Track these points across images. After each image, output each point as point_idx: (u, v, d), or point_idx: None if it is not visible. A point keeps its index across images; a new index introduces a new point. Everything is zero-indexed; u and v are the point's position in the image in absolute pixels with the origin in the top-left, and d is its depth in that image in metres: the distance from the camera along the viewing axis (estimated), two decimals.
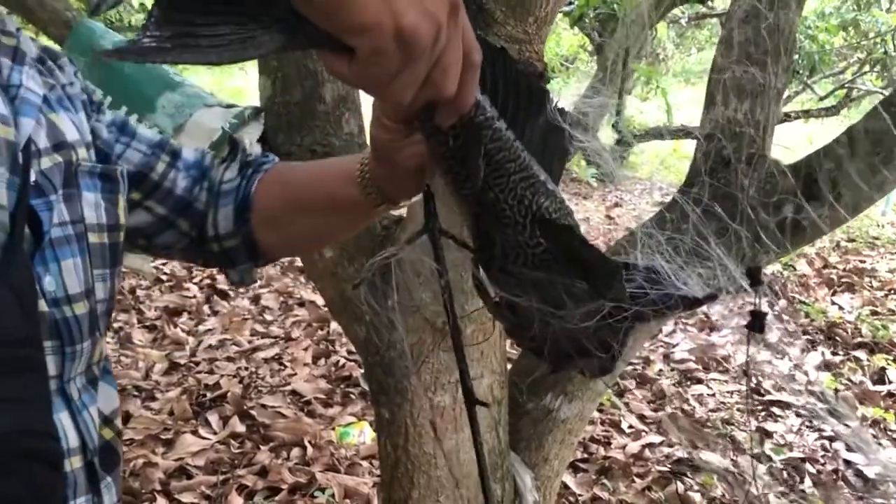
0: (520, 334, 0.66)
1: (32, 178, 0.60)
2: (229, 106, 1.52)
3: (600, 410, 3.22)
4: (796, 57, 5.63)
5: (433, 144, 0.59)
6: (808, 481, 2.76)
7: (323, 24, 0.46)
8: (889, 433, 3.16)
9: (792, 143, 1.57)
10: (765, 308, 0.59)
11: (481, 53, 0.53)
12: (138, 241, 0.82)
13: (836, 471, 2.85)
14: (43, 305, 0.60)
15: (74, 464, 0.64)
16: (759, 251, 1.57)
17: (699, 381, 3.60)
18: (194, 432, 2.86)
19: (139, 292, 4.20)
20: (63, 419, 0.63)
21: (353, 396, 3.24)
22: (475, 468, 1.49)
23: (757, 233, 1.54)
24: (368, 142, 0.70)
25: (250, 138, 1.41)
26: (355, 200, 0.75)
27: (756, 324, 0.60)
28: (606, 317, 0.58)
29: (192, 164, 0.83)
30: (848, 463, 2.91)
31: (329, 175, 0.79)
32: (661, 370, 3.68)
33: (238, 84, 12.92)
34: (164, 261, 4.22)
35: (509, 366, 1.59)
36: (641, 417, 3.20)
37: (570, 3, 5.28)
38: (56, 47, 0.77)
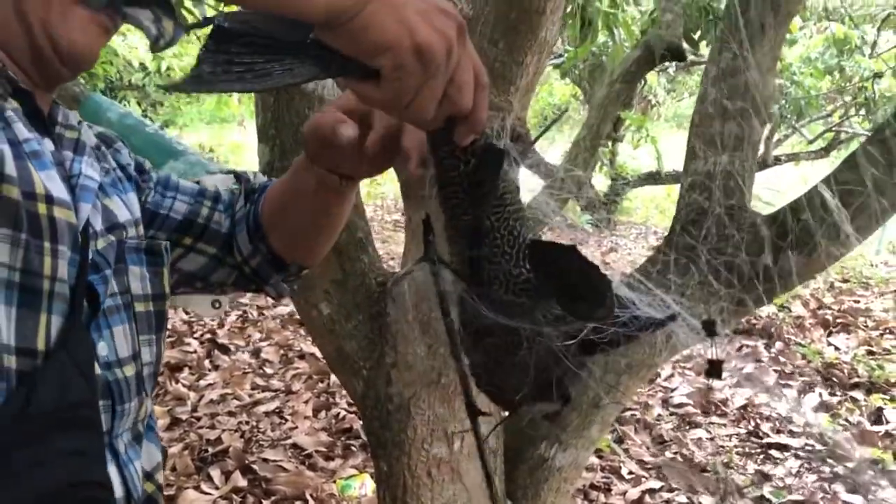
0: (480, 374, 0.72)
1: (90, 256, 0.68)
2: (230, 172, 1.59)
3: (600, 457, 3.23)
4: (783, 102, 5.76)
5: (446, 168, 0.65)
6: None
7: (349, 50, 0.54)
8: (888, 473, 3.17)
9: (786, 185, 1.64)
10: (722, 356, 0.65)
11: (487, 83, 0.60)
12: (196, 283, 0.92)
13: None
14: (97, 368, 0.67)
15: None
16: (743, 298, 1.63)
17: (698, 425, 3.62)
18: (196, 487, 2.88)
19: None
20: (111, 472, 0.70)
21: (354, 448, 3.26)
22: None
23: (739, 280, 1.60)
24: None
25: None
26: (311, 183, 0.82)
27: (713, 371, 0.65)
28: (580, 340, 0.63)
29: (229, 204, 0.93)
30: None
31: (294, 167, 0.87)
32: (660, 415, 3.71)
33: (236, 139, 13.11)
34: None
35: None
36: (641, 463, 3.22)
37: (560, 56, 5.42)
38: (109, 132, 0.87)
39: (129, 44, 8.00)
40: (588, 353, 0.67)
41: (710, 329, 0.64)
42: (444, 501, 1.48)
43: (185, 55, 8.97)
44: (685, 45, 4.02)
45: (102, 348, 0.69)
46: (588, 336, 0.65)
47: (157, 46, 0.54)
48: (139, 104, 10.87)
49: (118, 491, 0.70)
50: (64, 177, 0.68)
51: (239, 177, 1.00)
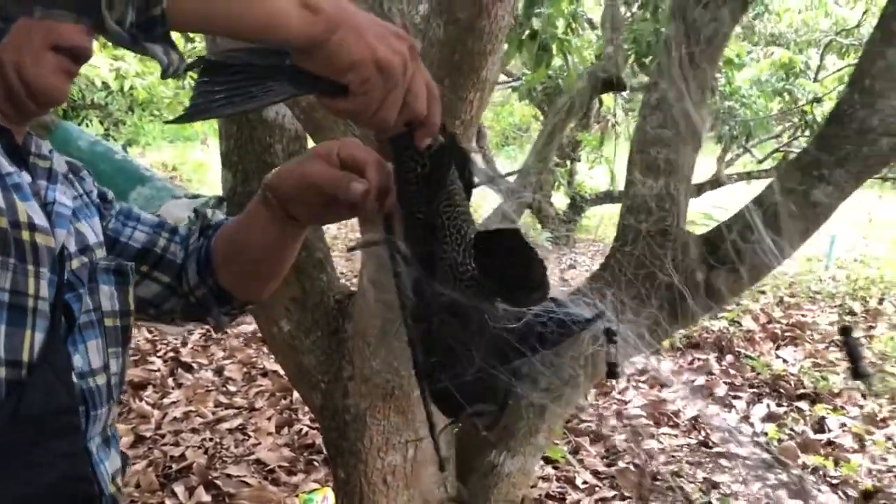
0: (429, 376, 0.78)
1: (66, 277, 0.76)
2: (194, 196, 1.67)
3: (555, 467, 3.34)
4: (733, 123, 5.97)
5: (406, 170, 0.75)
6: None
7: (321, 70, 0.64)
8: (828, 479, 3.32)
9: (737, 204, 1.75)
10: (617, 359, 0.74)
11: (437, 99, 0.72)
12: (150, 310, 0.99)
13: None
14: (73, 378, 0.76)
15: None
16: (676, 313, 1.75)
17: (651, 436, 3.74)
18: (161, 503, 2.92)
19: None
20: None
21: (316, 463, 3.32)
22: None
23: (672, 296, 1.72)
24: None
25: None
26: (261, 212, 0.88)
27: (611, 373, 0.75)
28: (518, 335, 0.71)
29: (186, 237, 1.01)
30: None
31: (252, 200, 0.93)
32: (614, 426, 3.83)
33: (199, 157, 13.08)
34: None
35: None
36: (595, 473, 3.33)
37: (519, 79, 5.57)
38: (76, 161, 0.94)
39: (91, 63, 7.99)
40: (527, 352, 0.73)
41: (610, 336, 0.74)
42: None
43: (147, 74, 8.97)
44: (637, 70, 4.19)
45: (77, 360, 0.77)
46: (526, 330, 0.72)
47: (166, 74, 0.64)
48: (101, 123, 10.80)
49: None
50: (41, 205, 0.77)
51: (198, 212, 1.07)
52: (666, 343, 4.63)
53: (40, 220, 0.73)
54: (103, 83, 8.25)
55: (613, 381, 4.31)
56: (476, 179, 0.82)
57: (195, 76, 0.68)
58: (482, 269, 0.74)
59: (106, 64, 8.09)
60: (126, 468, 0.90)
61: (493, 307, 0.74)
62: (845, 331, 1.22)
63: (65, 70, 0.76)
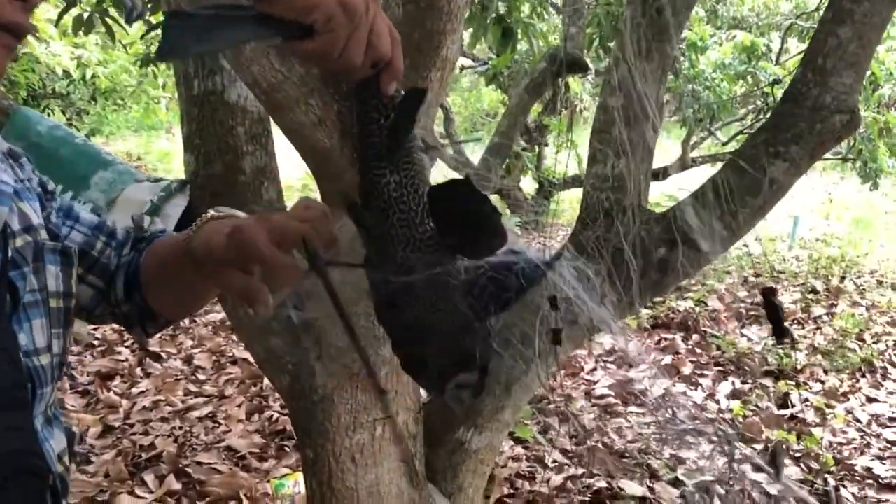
0: (402, 355, 0.79)
1: (9, 254, 0.76)
2: (157, 180, 1.67)
3: (525, 447, 3.38)
4: (696, 106, 6.03)
5: (369, 121, 0.76)
6: (717, 501, 2.97)
7: (285, 12, 0.66)
8: (791, 453, 3.40)
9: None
10: (560, 325, 0.76)
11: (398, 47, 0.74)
12: (81, 313, 0.96)
13: (742, 490, 3.06)
14: (20, 356, 0.75)
15: None
16: (640, 289, 1.78)
17: (619, 415, 3.80)
18: (131, 493, 2.91)
19: (70, 358, 4.21)
20: None
21: (287, 449, 3.33)
22: (395, 500, 1.64)
23: (635, 272, 1.75)
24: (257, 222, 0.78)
25: (176, 209, 1.57)
26: (191, 265, 0.86)
27: (555, 338, 0.77)
28: (483, 289, 0.72)
29: (122, 243, 0.98)
30: (754, 483, 3.12)
31: (177, 238, 0.92)
32: (582, 406, 3.88)
33: (164, 146, 12.94)
34: (96, 326, 4.26)
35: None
36: (564, 452, 3.37)
37: (485, 63, 5.58)
38: (17, 148, 0.91)
39: (52, 51, 7.87)
40: (497, 310, 0.75)
41: (553, 303, 0.76)
42: (367, 485, 1.59)
43: (109, 62, 8.85)
44: (602, 54, 4.22)
45: (22, 338, 0.76)
46: (491, 284, 0.73)
47: (130, 19, 0.65)
48: (63, 112, 10.63)
49: None
50: None
51: (134, 221, 1.05)
52: (633, 323, 4.69)
53: None
54: (64, 72, 8.14)
55: (582, 362, 4.36)
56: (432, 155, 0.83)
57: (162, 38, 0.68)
58: (438, 224, 0.74)
59: (67, 52, 7.97)
60: (73, 448, 0.90)
61: (454, 265, 0.75)
62: (769, 292, 1.25)
63: (2, 45, 0.72)
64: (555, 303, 0.75)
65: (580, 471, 3.18)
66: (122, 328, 1.03)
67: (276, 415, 3.63)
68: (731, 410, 3.84)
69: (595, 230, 1.82)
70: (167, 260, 0.93)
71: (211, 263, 0.80)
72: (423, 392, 1.72)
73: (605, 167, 1.86)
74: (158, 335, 4.50)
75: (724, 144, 7.33)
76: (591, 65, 3.93)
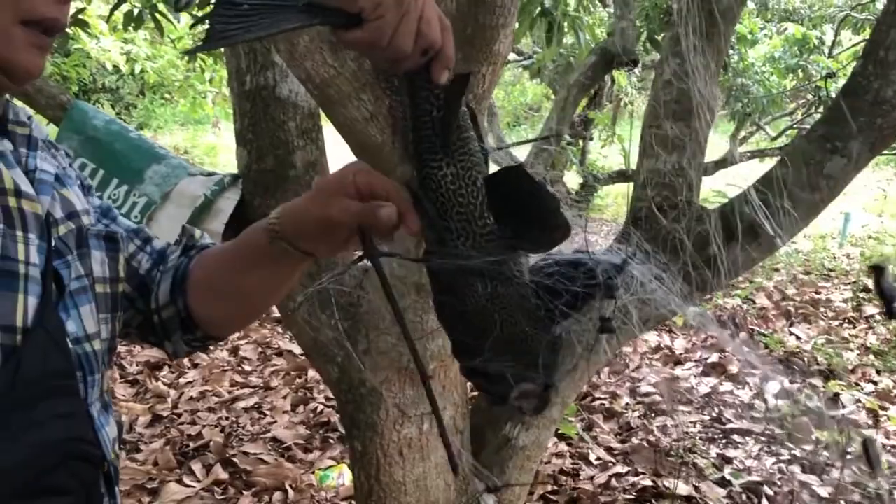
0: (465, 356, 0.76)
1: (53, 243, 0.76)
2: (210, 174, 1.69)
3: (569, 444, 3.36)
4: (746, 101, 5.92)
5: (422, 113, 0.74)
6: (765, 502, 2.92)
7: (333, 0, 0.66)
8: (842, 454, 3.33)
9: (749, 182, 1.75)
10: (609, 314, 0.74)
11: (449, 35, 0.71)
12: None
13: (791, 492, 3.00)
14: (68, 344, 0.76)
15: None
16: (691, 287, 1.75)
17: (663, 413, 3.76)
18: (179, 481, 2.96)
19: (120, 349, 4.31)
20: None
21: (331, 441, 3.36)
22: (442, 493, 1.65)
23: (687, 271, 1.72)
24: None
25: (229, 203, 1.58)
26: (265, 249, 0.84)
27: (605, 327, 0.74)
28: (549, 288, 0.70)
29: (156, 251, 0.97)
30: (803, 484, 3.07)
31: (248, 233, 0.90)
32: (627, 404, 3.84)
33: (211, 140, 13.13)
34: None
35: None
36: (609, 450, 3.35)
37: (530, 58, 5.54)
38: (53, 142, 0.91)
39: (102, 47, 8.03)
40: (564, 313, 0.72)
41: (609, 291, 0.74)
42: (414, 478, 1.59)
43: (157, 57, 9.00)
44: (650, 47, 4.16)
45: (71, 326, 0.77)
46: (557, 283, 0.71)
47: (179, 5, 0.65)
48: (112, 107, 10.86)
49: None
50: (24, 171, 0.77)
51: (185, 230, 1.04)
52: (679, 321, 4.63)
53: (27, 187, 0.73)
54: (114, 67, 8.29)
55: (627, 359, 4.32)
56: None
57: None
58: (497, 216, 0.72)
59: (117, 48, 8.12)
60: (121, 436, 0.91)
61: (517, 261, 0.73)
62: (878, 270, 1.21)
63: (36, 45, 0.73)
64: (610, 291, 0.73)
65: (625, 469, 3.15)
66: (148, 343, 0.98)
67: (320, 407, 3.66)
68: (779, 410, 3.77)
69: (646, 226, 1.79)
70: (227, 260, 0.91)
71: (312, 224, 0.79)
72: (469, 387, 1.72)
73: (657, 162, 1.83)
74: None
75: (773, 140, 7.18)
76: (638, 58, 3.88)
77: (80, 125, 1.64)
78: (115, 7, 3.61)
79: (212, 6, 0.69)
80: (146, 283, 0.94)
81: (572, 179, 8.17)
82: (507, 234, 0.72)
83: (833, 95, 5.61)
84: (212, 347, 4.39)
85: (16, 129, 0.81)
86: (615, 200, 10.06)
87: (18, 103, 0.85)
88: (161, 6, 3.65)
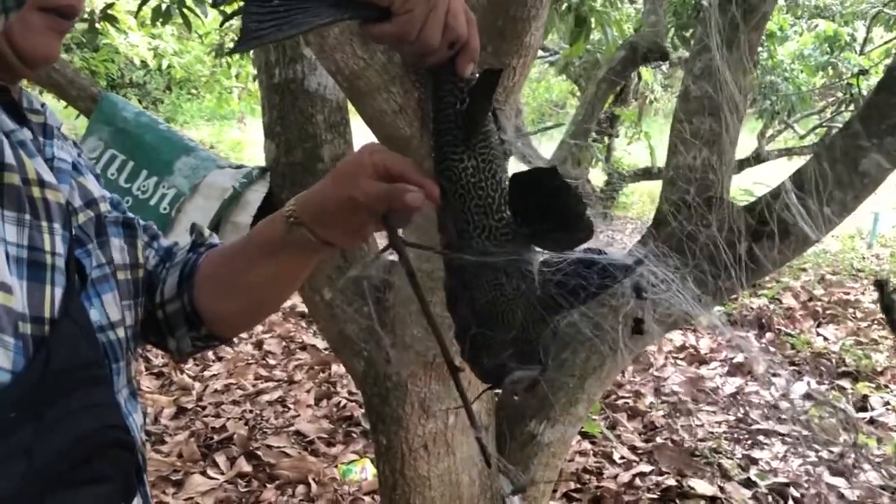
0: (464, 343, 0.77)
1: (73, 232, 0.76)
2: (239, 167, 1.69)
3: (593, 442, 3.34)
4: (775, 98, 5.85)
5: (445, 106, 0.74)
6: None
7: None
8: (871, 457, 3.28)
9: (777, 180, 1.73)
10: (641, 315, 0.73)
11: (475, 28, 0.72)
12: None
13: (818, 494, 2.97)
14: (94, 332, 0.76)
15: None
16: (721, 285, 1.73)
17: (689, 413, 3.73)
18: (203, 473, 2.99)
19: None
20: None
21: (354, 435, 3.37)
22: (466, 489, 1.64)
23: (716, 267, 1.70)
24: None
25: (257, 196, 1.59)
26: (280, 241, 0.83)
27: (637, 328, 0.74)
28: (556, 290, 0.70)
29: (163, 248, 0.97)
30: (831, 487, 3.03)
31: (261, 226, 0.89)
32: (651, 403, 3.81)
33: (236, 136, 13.22)
34: None
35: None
36: (633, 448, 3.33)
37: (556, 53, 5.52)
38: (65, 132, 0.91)
39: (130, 42, 8.10)
40: (571, 306, 0.72)
41: (639, 292, 0.73)
42: (439, 473, 1.59)
43: (184, 53, 9.06)
44: (678, 43, 4.13)
45: (94, 314, 0.77)
46: (569, 278, 0.71)
47: (217, 1, 0.65)
48: (140, 102, 10.96)
49: None
50: (45, 160, 0.76)
51: (195, 229, 1.03)
52: (704, 320, 4.59)
53: (49, 176, 0.73)
54: (142, 62, 8.36)
55: (652, 358, 4.29)
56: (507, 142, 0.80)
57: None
58: (520, 213, 0.72)
59: (144, 43, 8.19)
60: (144, 423, 0.91)
61: (530, 256, 0.73)
62: (881, 285, 1.20)
63: (53, 29, 0.73)
64: (640, 292, 0.72)
65: (649, 468, 3.13)
66: (148, 342, 0.96)
67: (343, 401, 3.67)
68: (806, 411, 3.72)
69: (675, 223, 1.77)
70: (241, 254, 0.90)
71: (332, 207, 0.78)
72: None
73: (687, 158, 1.81)
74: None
75: (801, 138, 7.10)
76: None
77: (111, 117, 1.65)
78: (144, 2, 3.64)
79: (242, 3, 0.69)
80: (152, 279, 0.93)
81: (597, 177, 8.13)
82: (524, 230, 0.73)
83: (864, 93, 5.53)
84: (235, 340, 4.41)
85: (31, 117, 0.81)
86: (640, 198, 10.00)
87: (35, 92, 0.85)
88: (189, 1, 3.67)
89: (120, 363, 0.81)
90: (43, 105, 0.84)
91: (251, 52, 1.93)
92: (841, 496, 2.96)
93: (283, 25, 0.67)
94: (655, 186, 9.98)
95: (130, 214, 0.90)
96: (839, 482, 3.05)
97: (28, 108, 0.80)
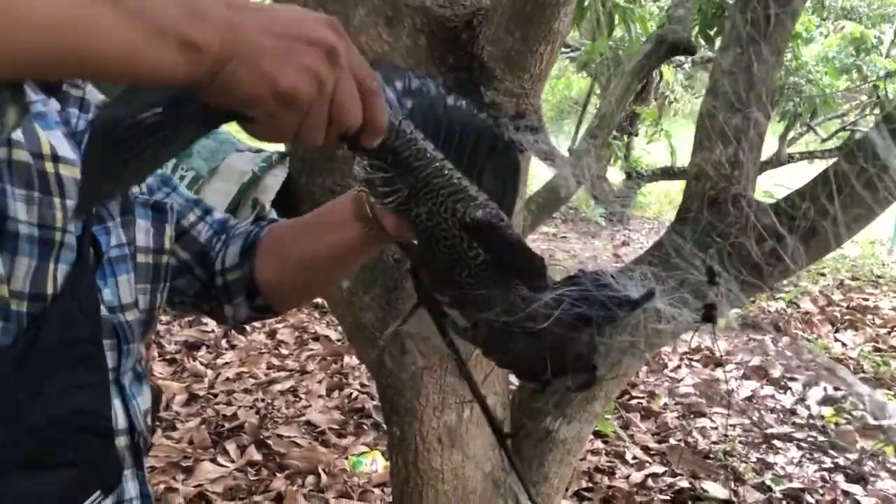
0: (507, 364, 0.77)
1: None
2: (258, 151, 1.67)
3: (605, 442, 3.31)
4: (798, 100, 5.79)
5: (370, 166, 0.70)
6: None
7: (221, 105, 0.55)
8: (888, 465, 3.23)
9: (798, 183, 1.70)
10: (715, 300, 0.70)
11: (377, 79, 0.61)
12: None
13: (834, 500, 2.92)
14: (104, 311, 0.75)
15: (121, 442, 0.78)
16: (745, 282, 1.70)
17: (703, 415, 3.69)
18: (213, 460, 2.98)
19: (159, 327, 4.34)
20: (116, 404, 0.77)
21: (365, 427, 3.35)
22: (479, 484, 1.62)
23: (742, 265, 1.67)
24: None
25: (276, 180, 1.56)
26: (347, 221, 0.83)
27: (708, 315, 0.71)
28: (559, 318, 0.66)
29: (217, 221, 0.97)
30: (846, 493, 2.98)
31: (331, 204, 0.90)
32: (665, 404, 3.78)
33: None
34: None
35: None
36: (645, 449, 3.29)
37: (577, 50, 5.48)
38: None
39: None
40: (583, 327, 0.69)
41: (711, 275, 0.70)
42: (452, 466, 1.56)
43: None
44: (701, 42, 4.08)
45: (107, 294, 0.76)
46: (564, 314, 0.67)
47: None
48: None
49: (121, 422, 0.77)
50: (69, 133, 0.75)
51: (256, 202, 1.03)
52: (721, 323, 4.55)
53: (65, 151, 0.71)
54: None
55: (666, 359, 4.25)
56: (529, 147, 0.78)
57: None
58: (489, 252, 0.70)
59: None
60: (158, 406, 0.89)
61: (514, 290, 0.71)
62: None
63: None
64: (713, 276, 0.70)
65: (662, 469, 3.10)
66: (200, 311, 0.98)
67: (355, 392, 3.65)
68: (822, 417, 3.67)
69: (698, 219, 1.74)
70: (307, 230, 0.91)
71: None
72: (512, 378, 1.69)
73: (712, 154, 1.78)
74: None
75: (823, 141, 7.02)
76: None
77: None
78: None
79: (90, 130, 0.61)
80: (206, 250, 0.94)
81: (616, 175, 8.08)
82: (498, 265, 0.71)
83: (891, 96, 5.46)
84: (249, 329, 4.41)
85: (70, 90, 0.79)
86: (657, 199, 9.94)
87: None
88: None
89: (130, 345, 0.79)
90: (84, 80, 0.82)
91: None
92: (857, 503, 2.92)
93: (144, 157, 0.55)
94: (673, 186, 9.93)
95: (162, 197, 0.89)
96: (856, 489, 3.00)
97: (69, 82, 0.79)
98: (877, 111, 5.75)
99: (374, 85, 0.60)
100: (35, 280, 0.66)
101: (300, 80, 0.54)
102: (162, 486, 2.73)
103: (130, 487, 0.80)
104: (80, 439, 0.70)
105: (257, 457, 3.04)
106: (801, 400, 3.89)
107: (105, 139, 0.54)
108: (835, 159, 1.73)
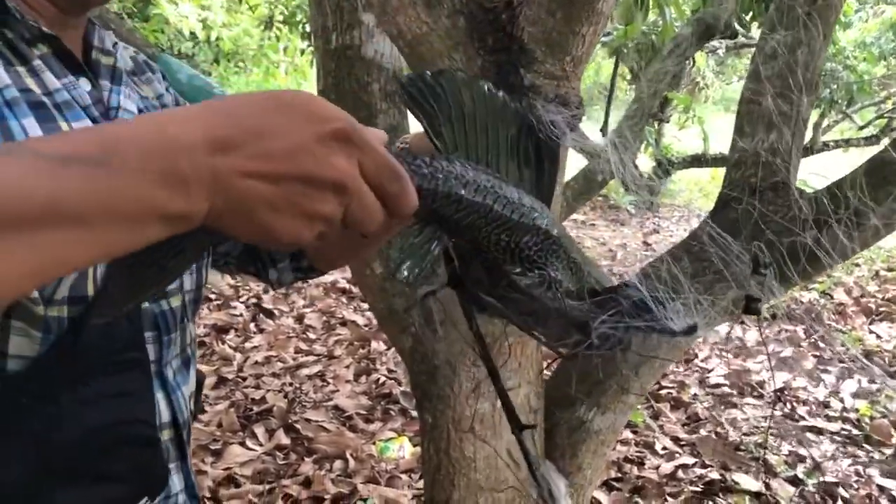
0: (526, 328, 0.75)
1: None
2: None
3: (634, 432, 3.28)
4: (834, 87, 5.67)
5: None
6: None
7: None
8: None
9: (834, 172, 1.64)
10: (758, 294, 0.68)
11: (399, 180, 0.51)
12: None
13: (869, 496, 2.87)
14: (140, 308, 0.73)
15: (165, 436, 0.77)
16: (785, 273, 1.66)
17: (734, 406, 3.64)
18: (242, 444, 2.99)
19: None
20: (159, 398, 0.76)
21: (392, 413, 3.35)
22: (511, 473, 1.59)
23: (781, 255, 1.62)
24: None
25: None
26: None
27: (750, 307, 0.68)
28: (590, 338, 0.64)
29: None
30: (882, 489, 2.93)
31: None
32: (695, 394, 3.73)
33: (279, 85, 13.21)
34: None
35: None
36: (675, 440, 3.26)
37: (609, 34, 5.39)
38: (152, 63, 0.88)
39: (181, 13, 8.14)
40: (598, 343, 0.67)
41: (757, 262, 0.67)
42: (485, 455, 1.55)
43: (234, 25, 9.09)
44: (739, 28, 4.00)
45: None
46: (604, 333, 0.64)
47: None
48: None
49: (165, 415, 0.76)
50: (103, 113, 0.73)
51: None
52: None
53: None
54: (191, 33, 8.40)
55: (695, 350, 4.20)
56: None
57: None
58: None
59: (194, 14, 8.23)
60: (201, 389, 0.88)
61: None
62: None
63: None
64: (758, 266, 0.67)
65: (692, 460, 3.06)
66: (247, 273, 0.96)
67: (382, 378, 3.65)
68: (856, 410, 3.61)
69: (737, 208, 1.70)
70: None
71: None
72: (545, 365, 1.66)
73: (753, 141, 1.73)
74: (272, 293, 4.61)
75: (860, 129, 6.87)
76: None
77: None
78: None
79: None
80: None
81: (646, 163, 7.98)
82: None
83: None
84: (277, 313, 4.42)
85: (100, 57, 0.77)
86: (687, 186, 9.81)
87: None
88: None
89: (172, 334, 0.77)
90: (115, 45, 0.80)
91: (310, 14, 1.88)
92: (893, 499, 2.86)
93: (152, 273, 0.54)
94: (703, 174, 9.79)
95: None
96: (891, 484, 2.95)
97: (99, 46, 0.77)
98: None
99: (393, 188, 0.51)
100: (75, 283, 0.64)
101: (303, 228, 0.47)
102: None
103: (176, 482, 0.79)
104: (123, 451, 0.69)
105: (285, 441, 3.05)
106: (835, 393, 3.83)
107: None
108: (872, 147, 1.68)
